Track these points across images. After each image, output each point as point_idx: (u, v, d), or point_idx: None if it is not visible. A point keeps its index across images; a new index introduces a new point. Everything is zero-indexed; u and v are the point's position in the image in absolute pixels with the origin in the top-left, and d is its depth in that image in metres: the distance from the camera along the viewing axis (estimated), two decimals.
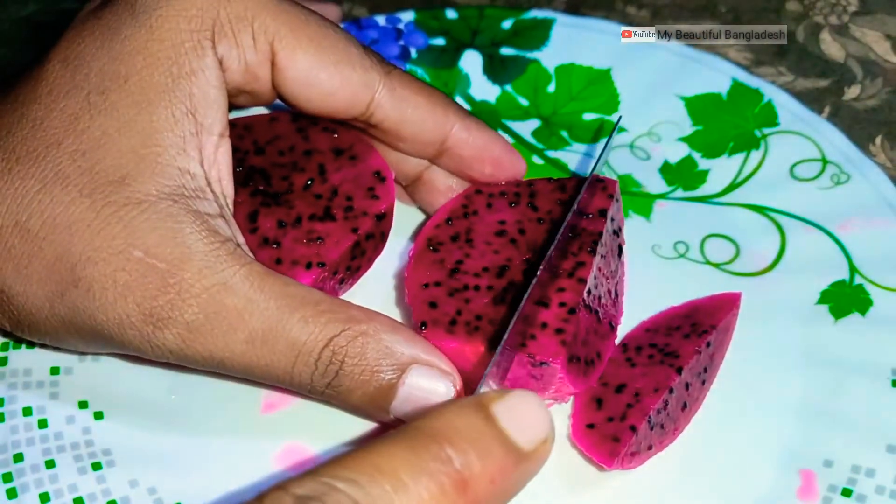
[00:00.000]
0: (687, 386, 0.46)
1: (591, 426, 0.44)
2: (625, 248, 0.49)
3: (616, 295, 0.48)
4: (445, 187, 0.51)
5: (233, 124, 0.50)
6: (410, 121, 0.47)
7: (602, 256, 0.47)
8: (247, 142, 0.50)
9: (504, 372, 0.42)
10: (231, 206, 0.44)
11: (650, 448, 0.45)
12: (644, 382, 0.45)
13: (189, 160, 0.41)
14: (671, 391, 0.45)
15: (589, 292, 0.45)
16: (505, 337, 0.40)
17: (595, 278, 0.46)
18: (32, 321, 0.41)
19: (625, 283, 0.50)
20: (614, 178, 0.57)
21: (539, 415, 0.32)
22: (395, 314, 0.50)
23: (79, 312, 0.40)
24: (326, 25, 0.45)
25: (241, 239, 0.43)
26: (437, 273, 0.46)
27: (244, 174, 0.48)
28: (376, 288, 0.50)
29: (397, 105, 0.46)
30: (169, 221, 0.40)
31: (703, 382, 0.47)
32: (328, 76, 0.45)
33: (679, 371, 0.45)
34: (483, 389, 0.38)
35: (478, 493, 0.30)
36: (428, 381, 0.41)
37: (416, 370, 0.41)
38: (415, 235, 0.53)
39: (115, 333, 0.40)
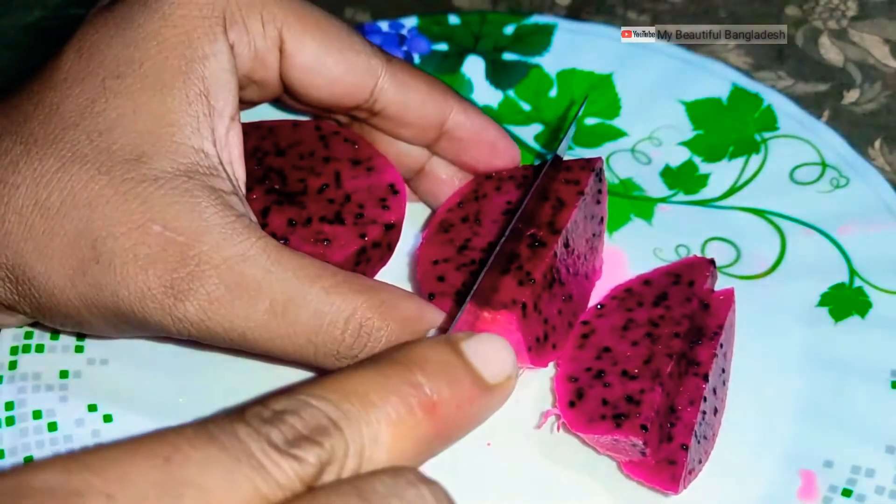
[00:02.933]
0: (714, 391, 0.46)
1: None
2: (622, 247, 0.50)
3: (588, 268, 0.50)
4: (448, 177, 0.52)
5: (258, 125, 0.51)
6: (412, 105, 0.48)
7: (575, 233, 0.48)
8: (268, 143, 0.51)
9: (472, 323, 0.43)
10: (243, 189, 0.44)
11: (700, 461, 0.45)
12: (677, 398, 0.45)
13: (203, 140, 0.42)
14: (704, 400, 0.45)
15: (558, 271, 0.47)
16: (473, 290, 0.42)
17: (567, 246, 0.48)
18: (54, 302, 0.41)
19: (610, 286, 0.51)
20: (616, 180, 0.57)
21: (504, 354, 0.34)
22: (406, 286, 0.51)
23: (101, 289, 0.41)
24: (329, 16, 0.47)
25: (253, 217, 0.43)
26: (447, 250, 0.48)
27: (262, 172, 0.49)
28: (386, 270, 0.51)
29: (399, 90, 0.48)
30: (186, 196, 0.41)
31: (724, 383, 0.48)
32: (335, 62, 0.46)
33: (706, 378, 0.45)
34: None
35: (444, 416, 0.32)
36: None
37: (433, 333, 0.43)
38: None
39: (136, 308, 0.41)
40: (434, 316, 0.43)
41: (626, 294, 0.50)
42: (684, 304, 0.47)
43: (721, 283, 0.52)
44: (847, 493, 0.45)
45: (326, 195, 0.49)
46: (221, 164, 0.43)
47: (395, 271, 0.51)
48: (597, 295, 0.51)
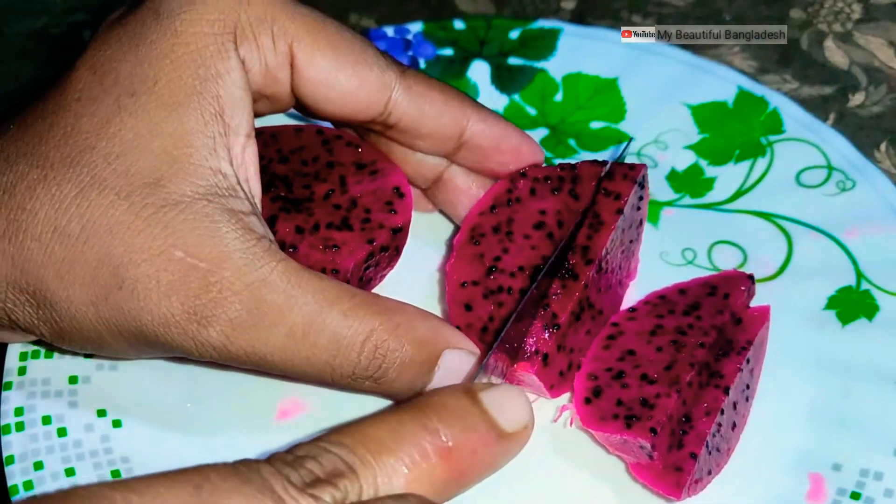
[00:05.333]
0: (735, 405, 0.46)
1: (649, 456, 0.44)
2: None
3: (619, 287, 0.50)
4: (466, 186, 0.51)
5: (259, 132, 0.51)
6: (428, 116, 0.48)
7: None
8: (272, 149, 0.51)
9: (497, 371, 0.44)
10: (259, 206, 0.45)
11: (710, 473, 0.45)
12: (695, 407, 0.45)
13: (220, 160, 0.42)
14: (722, 412, 0.45)
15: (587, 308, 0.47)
16: (496, 343, 0.43)
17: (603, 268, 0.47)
18: (75, 327, 0.42)
19: (633, 288, 0.51)
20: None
21: (521, 404, 0.36)
22: (436, 309, 0.51)
23: (123, 314, 0.41)
24: (342, 28, 0.46)
25: (271, 236, 0.43)
26: (476, 270, 0.48)
27: (267, 180, 0.49)
28: (416, 280, 0.52)
29: (414, 102, 0.47)
30: (206, 221, 0.41)
31: (747, 399, 0.47)
32: (346, 77, 0.45)
33: (726, 391, 0.45)
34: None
35: (459, 462, 0.33)
36: (459, 363, 0.44)
37: (449, 353, 0.43)
38: (436, 243, 0.54)
39: (160, 333, 0.41)
40: (450, 336, 0.44)
41: (660, 300, 0.50)
42: (715, 315, 0.47)
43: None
44: (856, 496, 0.45)
45: (332, 201, 0.49)
46: (239, 183, 0.43)
47: (425, 288, 0.52)
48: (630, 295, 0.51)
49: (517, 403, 0.35)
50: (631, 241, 0.50)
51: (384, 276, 0.51)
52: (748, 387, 0.47)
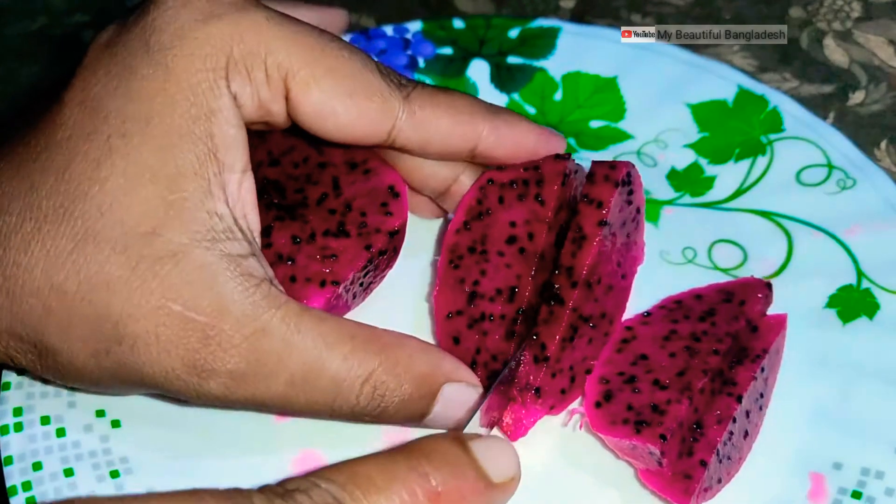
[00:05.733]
0: (747, 414, 0.46)
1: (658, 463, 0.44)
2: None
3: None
4: None
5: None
6: (435, 140, 0.46)
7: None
8: (261, 152, 0.50)
9: (490, 420, 0.44)
10: (258, 239, 0.44)
11: (720, 481, 0.44)
12: (706, 414, 0.45)
13: (216, 202, 0.41)
14: (734, 421, 0.44)
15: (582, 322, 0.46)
16: (489, 393, 0.43)
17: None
18: (78, 374, 0.42)
19: (632, 289, 0.50)
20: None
21: (509, 456, 0.36)
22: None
23: (124, 367, 0.41)
24: (343, 54, 0.44)
25: (271, 273, 0.43)
26: (459, 298, 0.47)
27: (259, 185, 0.48)
28: (412, 276, 0.52)
29: (420, 128, 0.45)
30: (204, 272, 0.40)
31: (761, 408, 0.47)
32: (345, 109, 0.44)
33: (739, 400, 0.45)
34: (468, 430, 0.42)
35: None
36: (459, 395, 0.44)
37: (448, 388, 0.44)
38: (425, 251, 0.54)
39: (161, 384, 0.41)
40: (450, 369, 0.44)
41: (675, 305, 0.49)
42: (730, 322, 0.47)
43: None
44: (857, 495, 0.45)
45: (327, 205, 0.48)
46: (236, 221, 0.42)
47: (422, 283, 0.52)
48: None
49: (506, 455, 0.36)
50: (628, 235, 0.49)
51: (384, 276, 0.50)
52: (762, 395, 0.47)
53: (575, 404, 0.47)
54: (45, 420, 0.46)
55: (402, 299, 0.52)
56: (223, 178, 0.42)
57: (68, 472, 0.44)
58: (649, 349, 0.47)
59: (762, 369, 0.46)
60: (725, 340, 0.46)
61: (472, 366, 0.45)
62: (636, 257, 0.51)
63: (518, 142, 0.48)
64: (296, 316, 0.41)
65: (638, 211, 0.50)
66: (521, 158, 0.48)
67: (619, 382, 0.45)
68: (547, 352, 0.45)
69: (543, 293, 0.46)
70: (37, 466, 0.44)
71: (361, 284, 0.48)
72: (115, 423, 0.46)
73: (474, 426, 0.43)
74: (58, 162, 0.41)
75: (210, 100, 0.41)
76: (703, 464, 0.43)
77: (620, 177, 0.47)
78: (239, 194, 0.43)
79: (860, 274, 0.52)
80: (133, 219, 0.40)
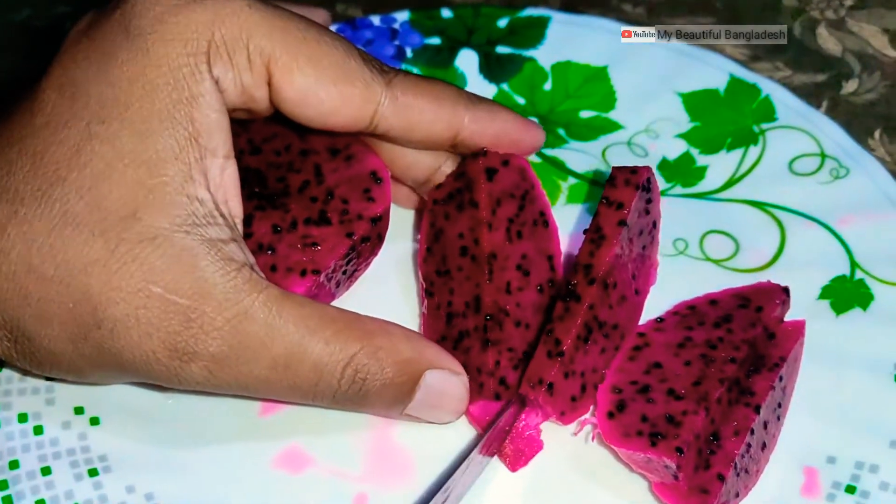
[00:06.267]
0: (765, 425, 0.44)
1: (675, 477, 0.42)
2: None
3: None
4: None
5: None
6: (418, 126, 0.46)
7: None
8: (243, 140, 0.49)
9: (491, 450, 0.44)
10: (240, 227, 0.43)
11: (737, 495, 0.43)
12: (723, 426, 0.43)
13: (196, 186, 0.41)
14: (752, 432, 0.43)
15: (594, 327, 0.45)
16: (498, 420, 0.43)
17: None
18: (55, 361, 0.41)
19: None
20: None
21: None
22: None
23: (104, 352, 0.40)
24: (325, 40, 0.44)
25: (252, 259, 0.43)
26: (439, 324, 0.47)
27: (240, 175, 0.48)
28: (396, 263, 0.52)
29: (402, 114, 0.45)
30: (185, 255, 0.40)
31: (779, 418, 0.46)
32: (327, 95, 0.44)
33: (757, 410, 0.43)
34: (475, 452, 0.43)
35: None
36: (441, 383, 0.44)
37: (431, 374, 0.43)
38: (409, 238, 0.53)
39: (141, 369, 0.41)
40: (433, 356, 0.44)
41: (689, 311, 0.48)
42: (747, 329, 0.45)
43: (721, 278, 0.51)
44: (851, 489, 0.44)
45: (309, 193, 0.48)
46: (217, 207, 0.42)
47: (407, 270, 0.51)
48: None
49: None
50: (644, 247, 0.48)
51: (369, 263, 0.50)
52: (779, 405, 0.46)
53: (587, 415, 0.46)
54: (23, 417, 0.45)
55: (388, 287, 0.51)
56: (205, 164, 0.41)
57: (45, 471, 0.43)
58: (663, 357, 0.45)
59: (780, 378, 0.45)
60: (742, 348, 0.45)
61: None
62: (649, 275, 0.50)
63: (499, 131, 0.48)
64: (277, 301, 0.41)
65: (654, 225, 0.49)
66: (503, 148, 0.49)
67: (632, 392, 0.44)
68: (562, 346, 0.43)
69: (559, 291, 0.45)
70: (13, 465, 0.43)
71: (345, 272, 0.48)
72: (94, 421, 0.45)
73: (474, 454, 0.42)
74: (36, 147, 0.41)
75: (191, 84, 0.41)
76: (721, 478, 0.42)
77: (641, 181, 0.46)
78: (221, 180, 0.42)
79: (854, 264, 0.51)
80: (112, 203, 0.40)
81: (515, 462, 0.44)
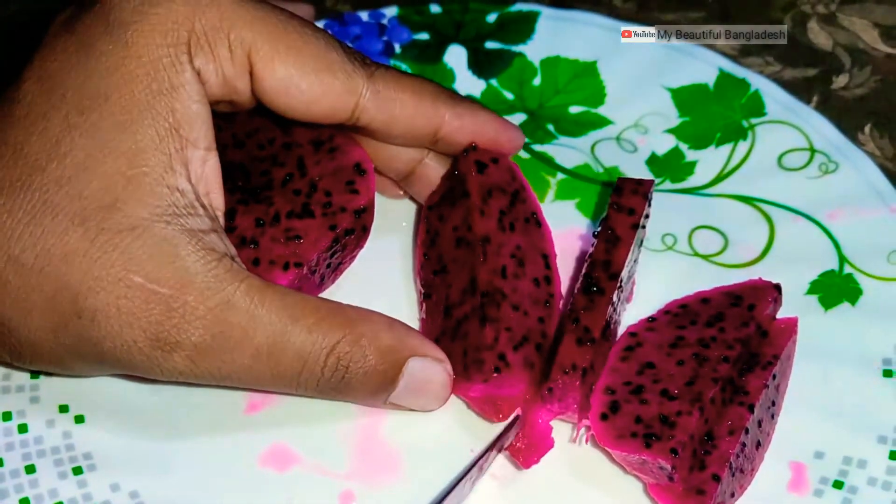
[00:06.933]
0: (759, 423, 0.44)
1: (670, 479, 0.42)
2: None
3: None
4: (438, 179, 0.51)
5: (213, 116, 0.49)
6: (399, 119, 0.46)
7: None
8: (226, 134, 0.49)
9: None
10: (222, 219, 0.43)
11: (732, 495, 0.43)
12: (717, 426, 0.43)
13: (177, 177, 0.41)
14: (746, 431, 0.43)
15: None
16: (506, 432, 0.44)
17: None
18: (35, 352, 0.41)
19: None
20: (601, 169, 0.56)
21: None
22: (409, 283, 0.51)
23: (84, 341, 0.40)
24: (306, 32, 0.44)
25: (233, 251, 0.42)
26: (437, 321, 0.47)
27: (223, 169, 0.47)
28: (386, 257, 0.52)
29: (383, 107, 0.46)
30: (165, 245, 0.40)
31: (773, 416, 0.46)
32: (308, 85, 0.44)
33: (751, 409, 0.43)
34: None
35: None
36: (424, 371, 0.44)
37: (414, 361, 0.43)
38: (400, 232, 0.53)
39: (122, 359, 0.40)
40: (416, 344, 0.44)
41: (681, 310, 0.48)
42: (740, 328, 0.45)
43: (709, 273, 0.51)
44: (839, 484, 0.44)
45: (292, 186, 0.48)
46: (198, 198, 0.42)
47: (397, 264, 0.51)
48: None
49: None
50: (635, 262, 0.48)
51: (355, 256, 0.50)
52: (773, 403, 0.45)
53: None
54: (7, 416, 0.45)
55: (376, 279, 0.51)
56: (185, 154, 0.41)
57: (30, 469, 0.43)
58: (656, 357, 0.45)
59: (773, 376, 0.45)
60: (735, 347, 0.44)
61: (465, 370, 0.45)
62: (630, 294, 0.50)
63: (479, 128, 0.48)
64: (258, 290, 0.41)
65: (640, 243, 0.49)
66: (483, 146, 0.49)
67: (625, 393, 0.44)
68: (592, 334, 0.43)
69: (581, 285, 0.45)
70: None
71: (329, 265, 0.47)
72: (79, 419, 0.45)
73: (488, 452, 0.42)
74: (16, 137, 0.41)
75: (171, 75, 0.41)
76: (717, 478, 0.42)
77: (649, 191, 0.47)
78: (203, 171, 0.42)
79: (842, 259, 0.51)
80: (92, 193, 0.40)
81: (528, 459, 0.44)
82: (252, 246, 0.46)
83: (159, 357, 0.40)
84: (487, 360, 0.44)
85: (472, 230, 0.47)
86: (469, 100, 0.49)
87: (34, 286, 0.39)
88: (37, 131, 0.40)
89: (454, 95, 0.48)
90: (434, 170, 0.50)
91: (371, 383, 0.43)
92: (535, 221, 0.49)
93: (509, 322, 0.45)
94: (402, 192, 0.53)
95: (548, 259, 0.48)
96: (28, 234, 0.39)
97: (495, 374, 0.44)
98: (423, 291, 0.48)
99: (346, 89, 0.44)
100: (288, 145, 0.49)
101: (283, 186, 0.47)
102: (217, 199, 0.43)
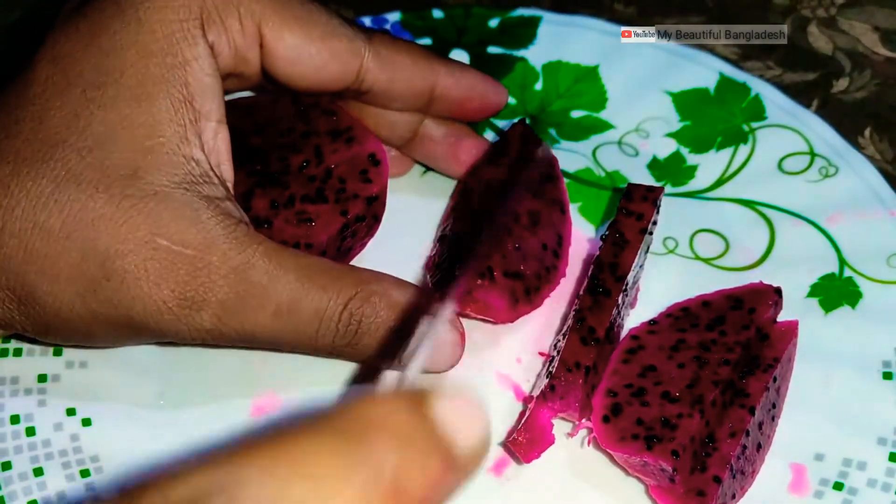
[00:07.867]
0: (760, 426, 0.44)
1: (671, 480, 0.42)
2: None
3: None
4: (440, 136, 0.53)
5: (235, 104, 0.50)
6: (399, 78, 0.49)
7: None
8: (247, 122, 0.51)
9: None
10: (232, 190, 0.45)
11: (733, 497, 0.43)
12: (718, 428, 0.43)
13: (192, 147, 0.42)
14: (747, 434, 0.43)
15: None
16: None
17: None
18: (62, 319, 0.41)
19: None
20: (602, 173, 0.56)
21: (480, 423, 0.26)
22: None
23: (113, 305, 0.41)
24: (307, 3, 0.46)
25: (246, 218, 0.44)
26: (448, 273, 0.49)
27: (243, 153, 0.49)
28: (398, 248, 0.52)
29: (385, 67, 0.48)
30: (187, 209, 0.41)
31: (773, 419, 0.46)
32: (317, 51, 0.46)
33: (752, 412, 0.44)
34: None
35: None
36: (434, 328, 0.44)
37: (425, 320, 0.43)
38: (413, 226, 0.54)
39: (152, 321, 0.41)
40: (425, 302, 0.44)
41: (682, 313, 0.48)
42: (740, 331, 0.46)
43: (710, 277, 0.51)
44: (839, 486, 0.44)
45: (308, 172, 0.49)
46: (212, 169, 0.43)
47: (407, 255, 0.52)
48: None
49: (475, 421, 0.25)
50: (641, 266, 0.49)
51: (365, 244, 0.51)
52: (774, 406, 0.46)
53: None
54: (15, 419, 0.45)
55: (385, 268, 0.51)
56: (199, 126, 0.43)
57: (38, 472, 0.44)
58: (657, 360, 0.45)
59: (774, 379, 0.45)
60: (736, 349, 0.45)
61: (468, 294, 0.46)
62: (634, 300, 0.50)
63: (472, 85, 0.51)
64: (276, 252, 0.42)
65: (647, 250, 0.49)
66: (473, 101, 0.52)
67: (626, 395, 0.44)
68: (597, 334, 0.44)
69: (587, 287, 0.46)
70: (6, 466, 0.44)
71: (339, 249, 0.48)
72: (86, 422, 0.46)
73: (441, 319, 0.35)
74: (34, 114, 0.42)
75: (184, 49, 0.42)
76: (718, 480, 0.42)
77: (658, 198, 0.48)
78: (214, 144, 0.43)
79: (843, 262, 0.52)
80: (114, 163, 0.41)
81: (528, 452, 0.44)
82: (266, 226, 0.47)
83: (187, 316, 0.41)
84: (496, 268, 0.46)
85: (501, 183, 0.49)
86: (458, 61, 0.52)
87: (61, 252, 0.40)
88: (55, 107, 0.41)
89: (445, 58, 0.51)
90: (435, 128, 0.53)
91: (383, 338, 0.44)
92: (561, 208, 0.51)
93: (507, 253, 0.47)
94: (405, 166, 0.55)
95: (562, 239, 0.50)
96: (53, 201, 0.40)
97: (479, 282, 0.46)
98: (429, 274, 0.50)
99: (350, 52, 0.46)
100: (306, 133, 0.50)
101: (300, 172, 0.49)
102: (227, 171, 0.44)
